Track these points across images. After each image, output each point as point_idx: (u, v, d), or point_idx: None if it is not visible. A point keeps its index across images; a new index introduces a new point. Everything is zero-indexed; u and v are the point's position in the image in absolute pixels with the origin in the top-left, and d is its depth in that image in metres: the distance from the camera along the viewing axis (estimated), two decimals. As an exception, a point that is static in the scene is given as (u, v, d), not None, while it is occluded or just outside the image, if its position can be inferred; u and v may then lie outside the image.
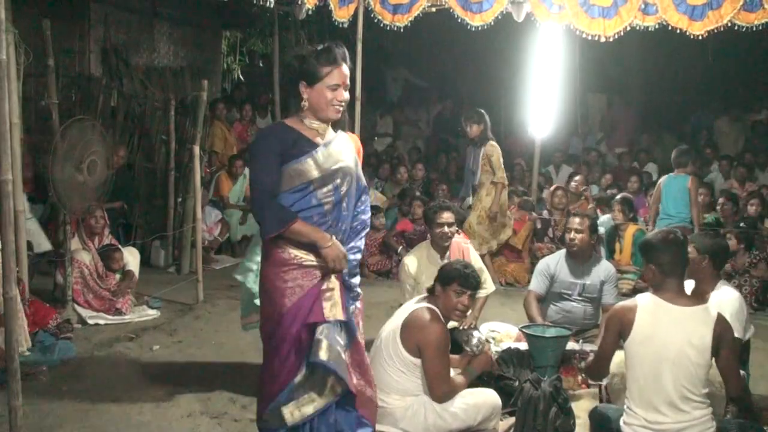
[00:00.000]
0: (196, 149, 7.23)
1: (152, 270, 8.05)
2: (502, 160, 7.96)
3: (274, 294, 3.50)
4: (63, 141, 5.98)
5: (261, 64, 14.11)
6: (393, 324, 4.08)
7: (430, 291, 4.22)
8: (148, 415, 4.52)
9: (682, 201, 7.72)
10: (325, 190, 3.52)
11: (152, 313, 6.59)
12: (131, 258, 6.89)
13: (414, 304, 4.13)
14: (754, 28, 6.76)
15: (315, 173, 3.48)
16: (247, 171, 9.42)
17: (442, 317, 4.07)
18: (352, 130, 8.18)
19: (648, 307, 3.68)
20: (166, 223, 8.24)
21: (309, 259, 3.50)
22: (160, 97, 8.68)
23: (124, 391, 4.87)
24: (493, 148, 7.91)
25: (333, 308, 3.49)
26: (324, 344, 3.40)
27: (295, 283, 3.49)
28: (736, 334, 4.23)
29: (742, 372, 4.31)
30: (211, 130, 9.35)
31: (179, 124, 8.27)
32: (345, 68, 3.52)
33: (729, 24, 6.77)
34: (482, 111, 8.08)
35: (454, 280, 4.10)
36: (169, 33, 10.65)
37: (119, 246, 6.91)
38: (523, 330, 4.93)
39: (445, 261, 5.41)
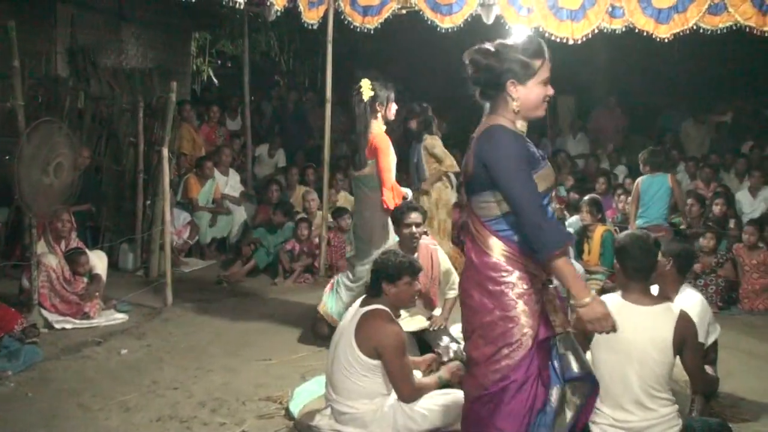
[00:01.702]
0: (165, 151, 7.18)
1: (120, 273, 7.98)
2: (444, 150, 7.86)
3: (519, 321, 3.05)
4: (29, 143, 5.90)
5: (230, 65, 14.06)
6: (345, 331, 4.04)
7: (372, 290, 4.14)
8: (116, 420, 4.48)
9: (662, 201, 7.89)
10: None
11: (120, 317, 6.53)
12: (99, 261, 6.82)
13: (360, 308, 4.08)
14: (719, 32, 6.85)
15: (552, 179, 3.19)
16: (216, 173, 9.40)
17: (393, 316, 4.06)
18: (323, 134, 8.20)
19: (613, 308, 3.70)
20: (135, 225, 8.16)
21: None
22: (128, 99, 8.61)
23: (92, 396, 4.81)
24: (433, 140, 7.86)
25: (556, 316, 3.18)
26: (571, 356, 3.19)
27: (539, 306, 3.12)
28: (699, 339, 4.29)
29: (712, 372, 4.39)
30: (179, 132, 9.28)
31: (148, 126, 8.20)
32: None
33: (694, 27, 6.87)
34: (425, 105, 8.07)
35: (403, 273, 4.07)
36: (138, 34, 10.57)
37: (85, 249, 6.83)
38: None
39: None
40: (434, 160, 7.84)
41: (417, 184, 7.91)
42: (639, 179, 8.17)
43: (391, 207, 5.79)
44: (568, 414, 3.25)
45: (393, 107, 6.08)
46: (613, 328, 3.00)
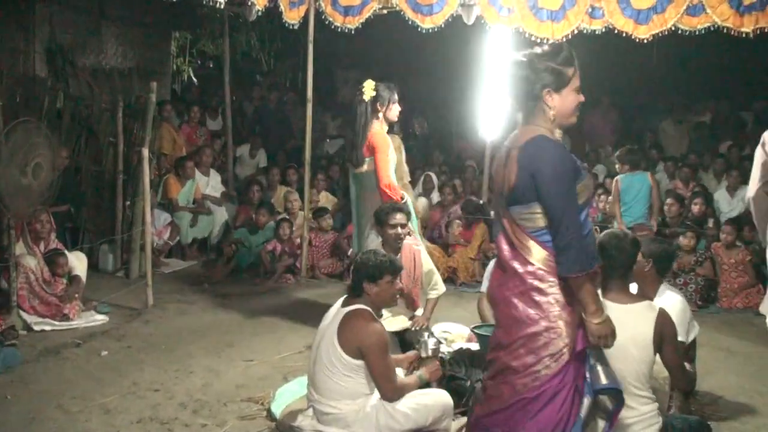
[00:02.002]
0: (145, 152, 7.14)
1: (100, 274, 7.92)
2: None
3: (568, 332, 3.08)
4: (7, 143, 5.85)
5: (212, 66, 13.99)
6: (326, 331, 4.03)
7: (354, 290, 4.13)
8: (96, 422, 4.45)
9: (644, 199, 7.96)
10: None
11: (100, 319, 6.48)
12: (78, 262, 6.77)
13: (342, 308, 4.08)
14: (697, 32, 6.93)
15: (592, 189, 3.20)
16: (197, 174, 9.36)
17: (375, 315, 4.06)
18: (304, 134, 8.19)
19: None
20: (115, 226, 8.11)
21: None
22: (108, 99, 8.55)
23: (71, 398, 4.77)
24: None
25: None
26: (599, 367, 3.22)
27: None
28: (679, 337, 4.33)
29: (690, 369, 4.42)
30: (159, 133, 9.23)
31: (127, 126, 8.15)
32: None
33: (673, 28, 6.94)
34: None
35: (385, 272, 4.08)
36: (117, 34, 10.48)
37: (64, 251, 6.78)
38: (475, 330, 4.97)
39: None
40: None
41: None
42: (617, 178, 8.21)
43: (395, 198, 5.89)
44: (601, 424, 3.32)
45: (395, 108, 6.21)
46: (608, 346, 3.12)
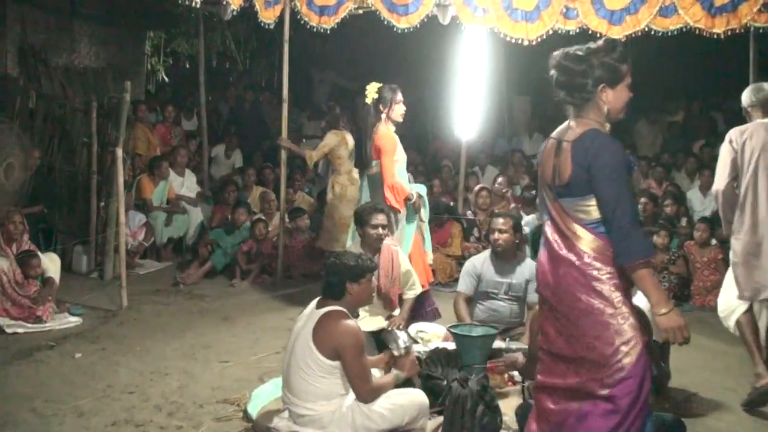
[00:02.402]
0: (119, 152, 7.08)
1: (74, 276, 7.86)
2: (330, 145, 7.98)
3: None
4: (-22, 144, 5.78)
5: (187, 65, 13.90)
6: (301, 333, 4.01)
7: (338, 293, 4.10)
8: (70, 426, 4.40)
9: None
10: None
11: (74, 321, 6.42)
12: (51, 264, 6.71)
13: (317, 310, 4.07)
14: (669, 33, 6.99)
15: (638, 184, 3.23)
16: (172, 174, 9.31)
17: (351, 316, 4.06)
18: (280, 134, 8.19)
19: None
20: (89, 227, 8.05)
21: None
22: (81, 99, 8.47)
23: (45, 401, 4.72)
24: (332, 135, 8.01)
25: None
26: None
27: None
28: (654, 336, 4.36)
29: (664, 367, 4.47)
30: (134, 133, 9.16)
31: (101, 126, 8.08)
32: None
33: (646, 29, 7.00)
34: (332, 103, 8.36)
35: (366, 271, 4.13)
36: (90, 33, 10.40)
37: (37, 252, 6.71)
38: (451, 329, 4.99)
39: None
40: (338, 155, 7.92)
41: (325, 178, 8.10)
42: None
43: (394, 205, 6.05)
44: None
45: (398, 108, 6.31)
46: (687, 340, 3.02)
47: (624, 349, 3.02)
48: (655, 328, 4.44)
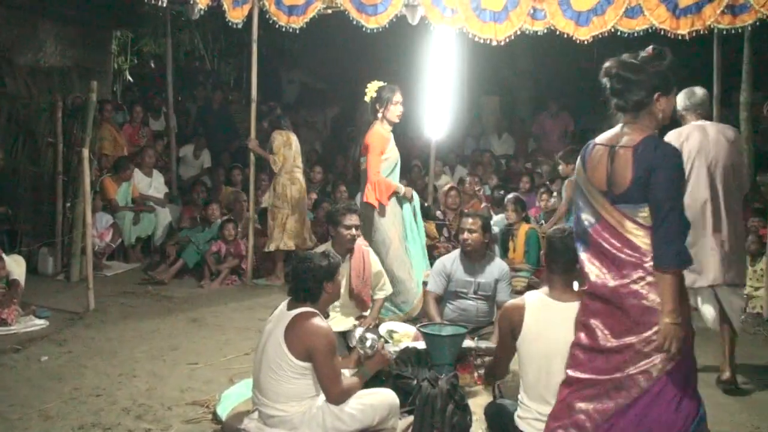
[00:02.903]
0: (86, 152, 7.01)
1: (40, 278, 7.77)
2: (282, 146, 8.09)
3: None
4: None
5: (153, 65, 13.78)
6: (272, 334, 4.00)
7: (314, 295, 4.10)
8: (36, 430, 4.35)
9: None
10: None
11: (40, 323, 6.34)
12: (16, 266, 6.62)
13: (288, 311, 4.06)
14: (636, 34, 7.07)
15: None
16: (140, 174, 9.23)
17: (322, 317, 4.06)
18: (249, 134, 8.17)
19: (535, 305, 3.81)
20: (54, 228, 7.95)
21: None
22: (46, 98, 8.37)
23: (10, 405, 4.65)
24: (276, 135, 8.13)
25: None
26: None
27: None
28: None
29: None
30: (100, 133, 9.07)
31: (67, 126, 7.99)
32: None
33: (612, 30, 7.07)
34: (273, 104, 8.49)
35: (338, 267, 4.19)
36: (56, 31, 10.26)
37: (1, 254, 6.62)
38: (420, 329, 5.00)
39: (346, 263, 5.45)
40: (281, 155, 8.03)
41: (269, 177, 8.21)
42: (572, 179, 8.16)
43: (372, 202, 6.27)
44: None
45: (395, 109, 6.42)
46: (678, 353, 3.13)
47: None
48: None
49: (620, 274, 3.21)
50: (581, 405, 3.31)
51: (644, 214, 3.17)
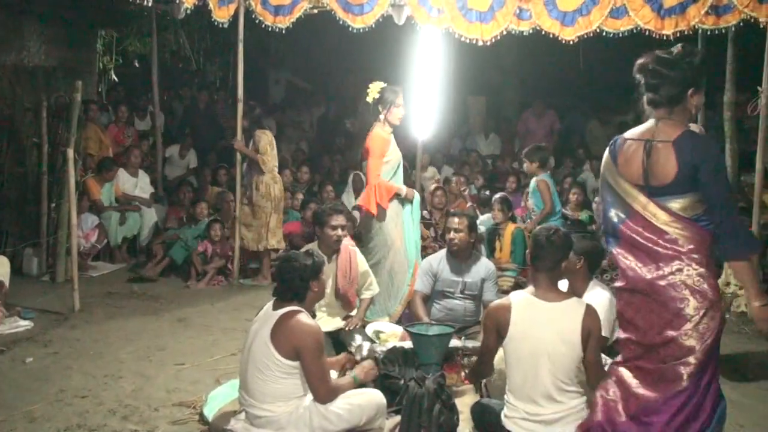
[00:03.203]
0: (71, 152, 6.97)
1: (24, 279, 7.71)
2: (269, 145, 8.11)
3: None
4: None
5: (138, 64, 13.71)
6: (258, 334, 3.99)
7: (301, 294, 4.10)
8: (21, 431, 4.32)
9: (556, 199, 8.05)
10: None
11: (25, 324, 6.29)
12: (0, 267, 6.57)
13: (274, 311, 4.05)
14: (621, 35, 7.11)
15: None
16: (126, 175, 9.19)
17: (309, 315, 4.06)
18: (235, 134, 8.15)
19: (521, 304, 3.82)
20: (39, 229, 7.90)
21: None
22: (31, 98, 8.31)
23: (-5, 407, 4.64)
24: (261, 134, 8.11)
25: None
26: None
27: None
28: (604, 333, 4.46)
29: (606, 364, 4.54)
30: (85, 133, 9.02)
31: (52, 126, 7.95)
32: None
33: (598, 30, 7.11)
34: (252, 103, 8.59)
35: (321, 266, 4.17)
36: (40, 31, 10.18)
37: (-14, 255, 6.58)
38: (408, 329, 5.00)
39: (332, 263, 5.45)
40: (265, 154, 8.01)
41: (248, 177, 8.14)
42: (547, 178, 8.17)
43: (369, 208, 6.17)
44: None
45: (397, 111, 6.32)
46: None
47: (713, 325, 3.23)
48: (612, 326, 4.56)
49: (657, 266, 3.28)
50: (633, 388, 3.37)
51: (680, 205, 3.25)
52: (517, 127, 12.87)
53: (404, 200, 6.43)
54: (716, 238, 3.22)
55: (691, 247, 3.23)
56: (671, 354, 3.26)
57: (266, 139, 8.07)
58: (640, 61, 3.38)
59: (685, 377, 3.24)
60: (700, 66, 3.31)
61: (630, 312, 3.40)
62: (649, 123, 3.38)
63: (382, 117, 6.33)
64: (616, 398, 3.40)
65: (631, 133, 3.43)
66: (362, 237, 6.45)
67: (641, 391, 3.33)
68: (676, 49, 3.34)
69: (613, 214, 3.39)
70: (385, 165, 6.30)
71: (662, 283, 3.26)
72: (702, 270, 3.23)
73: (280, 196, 8.20)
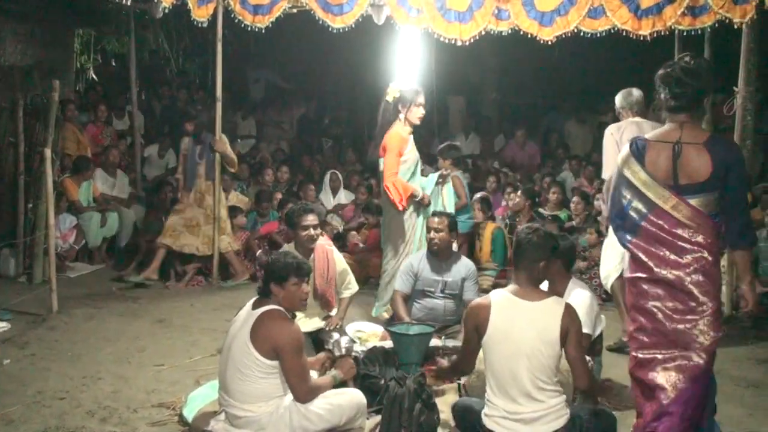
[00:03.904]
0: (48, 152, 6.92)
1: (1, 280, 7.68)
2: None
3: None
4: None
5: (115, 64, 13.62)
6: (238, 334, 3.98)
7: (264, 292, 4.12)
8: (-2, 434, 4.30)
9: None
10: None
11: (2, 326, 6.24)
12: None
13: (253, 310, 4.05)
14: (598, 35, 7.16)
15: None
16: (104, 174, 9.13)
17: (288, 315, 4.05)
18: (215, 133, 8.10)
19: (501, 303, 3.84)
20: (16, 229, 7.83)
21: None
22: (7, 98, 8.23)
23: (-29, 409, 4.59)
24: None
25: None
26: None
27: None
28: (587, 330, 4.51)
29: (591, 362, 4.58)
30: (63, 133, 8.95)
31: (28, 125, 7.88)
32: None
33: (575, 30, 7.15)
34: (200, 108, 8.52)
35: (291, 274, 4.06)
36: (16, 29, 10.09)
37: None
38: (388, 328, 5.02)
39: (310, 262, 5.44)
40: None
41: (192, 181, 8.13)
42: (460, 175, 8.13)
43: (397, 203, 6.20)
44: None
45: (416, 111, 6.33)
46: (754, 310, 3.82)
47: (718, 312, 3.59)
48: (593, 323, 4.60)
49: (680, 257, 3.55)
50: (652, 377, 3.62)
51: (705, 202, 3.54)
52: (504, 156, 12.79)
53: (418, 205, 6.42)
54: (729, 230, 3.58)
55: (709, 240, 3.54)
56: (690, 341, 3.54)
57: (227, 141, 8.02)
58: (664, 71, 3.65)
59: (698, 349, 3.53)
60: (713, 75, 3.65)
61: (647, 301, 3.62)
62: (669, 126, 3.65)
63: (402, 116, 6.35)
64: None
65: (653, 135, 3.68)
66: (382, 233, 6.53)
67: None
68: (696, 62, 3.64)
69: (633, 210, 3.63)
70: (402, 164, 6.32)
71: (686, 271, 3.54)
72: (713, 259, 3.56)
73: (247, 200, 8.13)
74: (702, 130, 3.66)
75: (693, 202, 3.54)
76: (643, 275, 3.62)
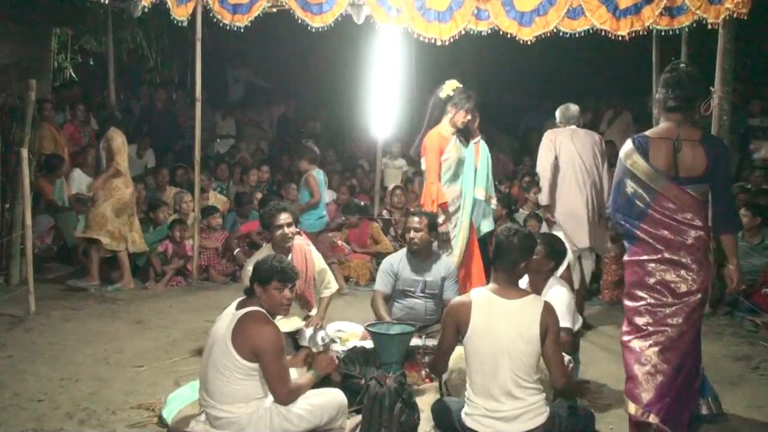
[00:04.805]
0: (24, 152, 6.85)
1: (-23, 282, 7.57)
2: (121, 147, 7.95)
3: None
4: None
5: (93, 63, 13.51)
6: (220, 334, 3.97)
7: (249, 292, 4.12)
8: (-25, 437, 4.25)
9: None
10: None
11: (-22, 328, 6.20)
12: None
13: (236, 310, 4.04)
14: (577, 35, 7.20)
15: None
16: (81, 175, 9.05)
17: (269, 317, 4.03)
18: (193, 134, 8.06)
19: (481, 301, 3.85)
20: (-7, 230, 7.76)
21: None
22: (-17, 97, 8.15)
23: (-53, 412, 4.54)
24: (113, 133, 7.90)
25: None
26: None
27: None
28: (568, 324, 4.54)
29: (570, 362, 4.61)
30: (40, 132, 8.85)
31: (5, 125, 7.80)
32: None
33: (555, 30, 7.18)
34: (113, 106, 8.40)
35: (273, 277, 4.04)
36: (-8, 28, 10.00)
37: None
38: (368, 328, 5.01)
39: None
40: (121, 153, 7.92)
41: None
42: (315, 174, 8.12)
43: (434, 200, 6.00)
44: None
45: (461, 115, 6.13)
46: (738, 288, 4.28)
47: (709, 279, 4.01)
48: (572, 318, 4.63)
49: (682, 238, 3.90)
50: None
51: (701, 191, 3.93)
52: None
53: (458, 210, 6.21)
54: (716, 216, 4.02)
55: (706, 223, 3.95)
56: (690, 311, 3.90)
57: (120, 140, 7.87)
58: (668, 75, 4.00)
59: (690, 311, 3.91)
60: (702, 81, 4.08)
61: (653, 278, 3.93)
62: (667, 124, 4.00)
63: (449, 115, 6.14)
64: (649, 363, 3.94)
65: (654, 132, 4.01)
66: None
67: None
68: (694, 70, 4.04)
69: (638, 198, 3.94)
70: (444, 162, 6.11)
71: (687, 248, 3.90)
72: (708, 239, 3.95)
73: (130, 200, 8.00)
74: (696, 128, 3.99)
75: (695, 191, 3.91)
76: (653, 256, 3.93)
